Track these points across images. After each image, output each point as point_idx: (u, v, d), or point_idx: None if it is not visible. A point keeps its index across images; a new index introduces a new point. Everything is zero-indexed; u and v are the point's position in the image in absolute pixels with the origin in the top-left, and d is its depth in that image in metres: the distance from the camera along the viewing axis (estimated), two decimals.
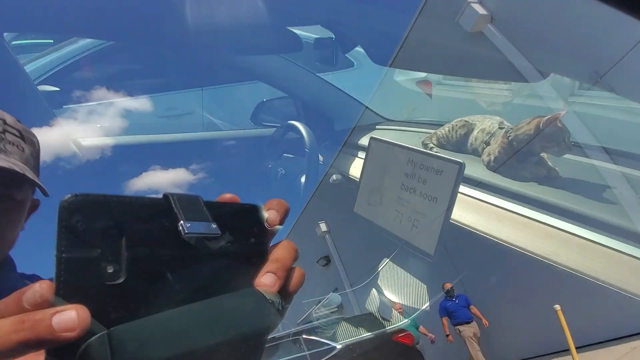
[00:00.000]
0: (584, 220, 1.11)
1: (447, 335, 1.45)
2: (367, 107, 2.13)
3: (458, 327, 1.48)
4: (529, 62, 1.26)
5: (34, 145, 0.42)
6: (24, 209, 0.40)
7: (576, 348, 1.00)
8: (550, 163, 1.34)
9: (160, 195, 0.20)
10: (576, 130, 1.56)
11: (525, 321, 1.13)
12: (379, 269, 1.53)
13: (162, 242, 0.20)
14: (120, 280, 0.19)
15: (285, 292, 0.22)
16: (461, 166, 1.16)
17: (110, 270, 0.19)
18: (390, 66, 1.79)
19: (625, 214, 1.10)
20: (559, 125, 1.29)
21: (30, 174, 0.36)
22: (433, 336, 1.33)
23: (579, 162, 1.45)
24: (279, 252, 0.23)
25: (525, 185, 1.27)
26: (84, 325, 0.18)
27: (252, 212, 0.23)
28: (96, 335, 0.18)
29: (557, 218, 1.14)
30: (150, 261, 0.20)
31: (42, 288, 0.18)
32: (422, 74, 4.59)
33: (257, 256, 0.23)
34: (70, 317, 0.17)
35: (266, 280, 0.22)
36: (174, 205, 0.21)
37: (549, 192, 1.23)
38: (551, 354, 1.06)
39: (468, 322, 1.65)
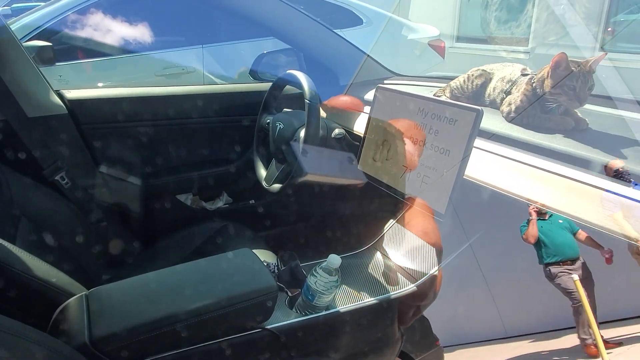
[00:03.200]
0: (612, 173, 0.98)
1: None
2: (370, 56, 1.96)
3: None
4: None
5: None
6: None
7: (600, 324, 0.89)
8: (579, 113, 1.20)
9: None
10: (610, 81, 1.40)
11: (545, 290, 1.02)
12: (385, 231, 1.42)
13: None
14: None
15: None
16: (478, 113, 1.02)
17: None
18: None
19: None
20: (573, 69, 1.12)
21: None
22: (609, 252, 1.01)
23: (612, 114, 1.30)
24: None
25: (550, 138, 1.13)
26: None
27: None
28: (75, 296, 0.30)
29: (585, 172, 1.01)
30: None
31: None
32: (435, 33, 4.36)
33: None
34: None
35: None
36: None
37: (576, 145, 1.10)
38: (571, 328, 0.96)
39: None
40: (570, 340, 0.88)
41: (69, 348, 0.79)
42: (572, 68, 1.09)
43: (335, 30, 1.86)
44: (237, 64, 3.44)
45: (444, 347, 1.00)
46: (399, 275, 1.24)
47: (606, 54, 1.10)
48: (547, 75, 1.15)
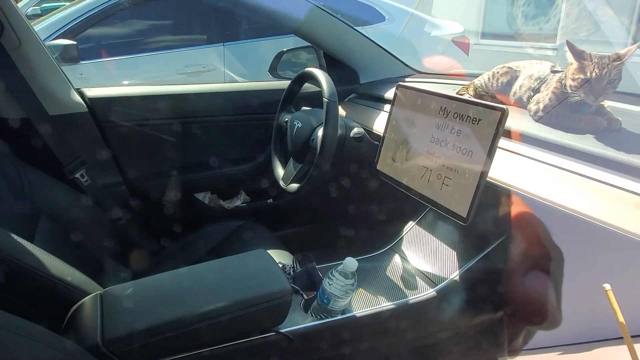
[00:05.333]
0: None
1: None
2: (393, 55, 1.92)
3: None
4: None
5: None
6: None
7: (633, 337, 0.83)
8: (612, 114, 1.13)
9: None
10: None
11: (576, 300, 0.96)
12: (404, 234, 1.38)
13: None
14: None
15: None
16: (503, 113, 0.97)
17: None
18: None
19: None
20: (587, 61, 1.05)
21: None
22: None
23: None
24: None
25: (580, 139, 1.07)
26: None
27: None
28: (90, 295, 0.29)
29: (619, 176, 0.95)
30: None
31: None
32: (459, 29, 4.26)
33: None
34: None
35: None
36: None
37: (609, 146, 1.04)
38: (603, 340, 0.90)
39: None
40: (604, 354, 0.83)
41: (81, 349, 0.78)
42: (587, 61, 1.04)
43: (357, 28, 1.82)
44: (257, 61, 3.43)
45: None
46: (417, 279, 1.20)
47: (638, 45, 1.03)
48: (568, 73, 1.10)
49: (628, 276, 0.92)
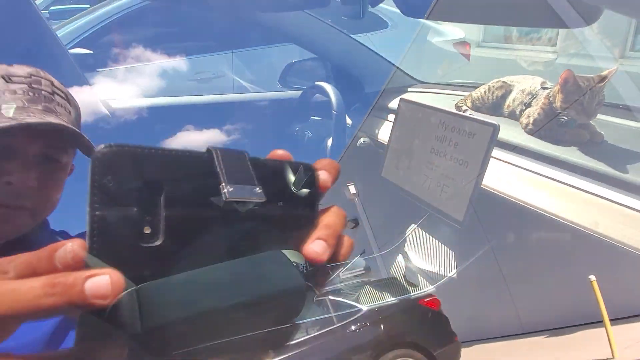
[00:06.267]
0: (628, 187, 1.03)
1: None
2: (398, 67, 2.04)
3: None
4: (572, 7, 1.11)
5: (78, 109, 0.43)
6: (67, 171, 0.41)
7: (611, 320, 0.95)
8: (596, 127, 1.24)
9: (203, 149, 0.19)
10: (630, 93, 1.44)
11: (558, 291, 1.08)
12: (407, 235, 1.50)
13: (202, 202, 0.19)
14: (157, 243, 0.18)
15: (334, 260, 0.21)
16: (495, 128, 1.09)
17: (147, 231, 0.18)
18: (426, 18, 1.64)
19: None
20: (581, 84, 1.17)
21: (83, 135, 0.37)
22: None
23: (630, 126, 1.34)
24: (330, 218, 0.22)
25: (566, 150, 1.18)
26: (118, 291, 0.17)
27: (304, 173, 0.21)
28: (126, 291, 0.18)
29: (598, 185, 1.06)
30: (189, 223, 0.19)
31: (74, 248, 0.17)
32: (460, 35, 4.37)
33: (306, 221, 0.22)
34: (103, 282, 0.17)
35: (316, 247, 0.21)
36: (217, 163, 0.19)
37: (591, 157, 1.15)
38: (583, 324, 1.02)
39: None
40: (585, 337, 0.95)
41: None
42: (580, 84, 1.15)
43: (361, 34, 1.94)
44: (265, 68, 3.55)
45: (462, 342, 1.08)
46: (418, 277, 1.32)
47: (617, 68, 1.15)
48: (558, 91, 1.21)
49: (608, 273, 1.05)
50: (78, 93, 1.68)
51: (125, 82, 3.35)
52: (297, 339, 1.15)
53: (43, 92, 0.40)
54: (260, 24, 1.89)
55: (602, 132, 1.23)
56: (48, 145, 0.39)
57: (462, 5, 1.01)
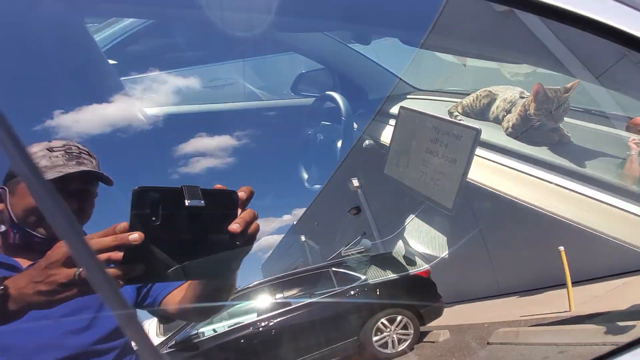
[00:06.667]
0: (587, 180, 1.27)
1: None
2: (400, 78, 2.28)
3: None
4: (561, 42, 1.31)
5: (96, 159, 0.68)
6: (95, 196, 0.67)
7: (573, 283, 1.19)
8: (564, 130, 1.48)
9: (179, 185, 0.45)
10: (603, 101, 1.67)
11: (530, 262, 1.32)
12: (406, 224, 1.74)
13: (177, 207, 0.44)
14: (157, 223, 0.44)
15: (246, 234, 0.46)
16: (477, 132, 1.32)
17: (154, 218, 0.43)
18: (420, 48, 1.88)
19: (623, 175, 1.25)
20: (549, 95, 1.40)
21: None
22: None
23: (598, 130, 1.58)
24: (244, 214, 0.47)
25: (539, 150, 1.42)
26: (140, 239, 0.42)
27: (230, 194, 0.47)
28: (173, 267, 0.44)
29: (563, 178, 1.30)
30: (173, 216, 0.44)
31: (123, 224, 0.43)
32: None
33: (231, 216, 0.47)
34: (136, 236, 0.42)
35: (233, 226, 0.46)
36: (184, 192, 0.44)
37: (559, 155, 1.38)
38: (551, 287, 1.26)
39: None
40: (550, 296, 1.19)
41: None
42: (549, 94, 1.39)
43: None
44: (274, 75, 3.79)
45: (446, 303, 1.31)
46: (416, 258, 1.56)
47: (578, 81, 1.38)
48: (532, 100, 1.45)
49: (567, 247, 1.28)
50: (119, 102, 1.92)
51: (148, 91, 3.59)
52: (304, 300, 1.37)
53: (74, 153, 0.65)
54: (277, 41, 2.12)
55: (569, 135, 1.47)
56: (83, 182, 0.64)
57: (454, 38, 1.24)
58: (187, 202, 0.44)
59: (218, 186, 0.48)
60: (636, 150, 1.33)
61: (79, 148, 0.67)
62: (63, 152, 0.64)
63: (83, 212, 0.65)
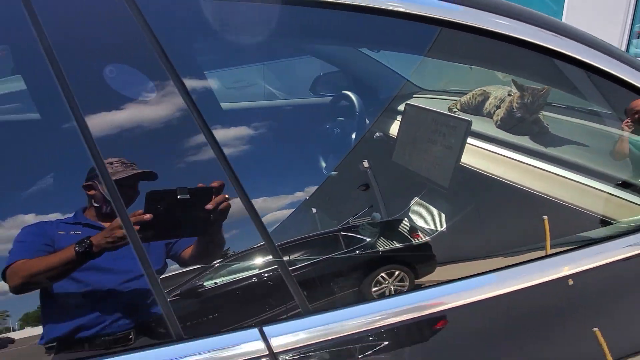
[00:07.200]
0: (558, 161, 1.54)
1: None
2: (407, 79, 2.56)
3: None
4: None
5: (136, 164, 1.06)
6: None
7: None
8: (544, 123, 1.74)
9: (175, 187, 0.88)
10: (590, 95, 1.93)
11: (511, 229, 1.59)
12: (411, 205, 2.02)
13: (174, 198, 0.87)
14: (162, 209, 0.87)
15: (217, 210, 0.90)
16: (468, 124, 1.60)
17: (159, 206, 0.87)
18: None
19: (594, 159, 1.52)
20: (527, 92, 1.67)
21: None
22: None
23: (575, 123, 1.85)
24: (217, 198, 0.90)
25: (521, 139, 1.69)
26: (151, 218, 0.87)
27: (208, 188, 0.89)
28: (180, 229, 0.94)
29: (539, 160, 1.57)
30: (171, 205, 0.87)
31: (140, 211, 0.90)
32: None
33: (208, 200, 0.89)
34: (146, 215, 0.88)
35: (208, 205, 0.89)
36: (177, 191, 0.88)
37: (537, 143, 1.66)
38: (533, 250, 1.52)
39: None
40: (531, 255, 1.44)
41: None
42: (527, 92, 1.67)
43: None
44: (291, 77, 4.10)
45: (439, 262, 1.57)
46: (420, 232, 1.84)
47: (550, 88, 1.66)
48: (515, 97, 1.73)
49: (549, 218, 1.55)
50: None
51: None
52: (306, 261, 1.60)
53: (125, 163, 0.98)
54: (296, 47, 2.42)
55: (548, 126, 1.74)
56: (136, 180, 0.97)
57: (458, 48, 1.50)
58: (178, 196, 0.84)
59: (200, 185, 0.90)
60: (628, 132, 1.62)
61: (125, 160, 1.00)
62: (120, 164, 0.99)
63: (132, 199, 1.01)
